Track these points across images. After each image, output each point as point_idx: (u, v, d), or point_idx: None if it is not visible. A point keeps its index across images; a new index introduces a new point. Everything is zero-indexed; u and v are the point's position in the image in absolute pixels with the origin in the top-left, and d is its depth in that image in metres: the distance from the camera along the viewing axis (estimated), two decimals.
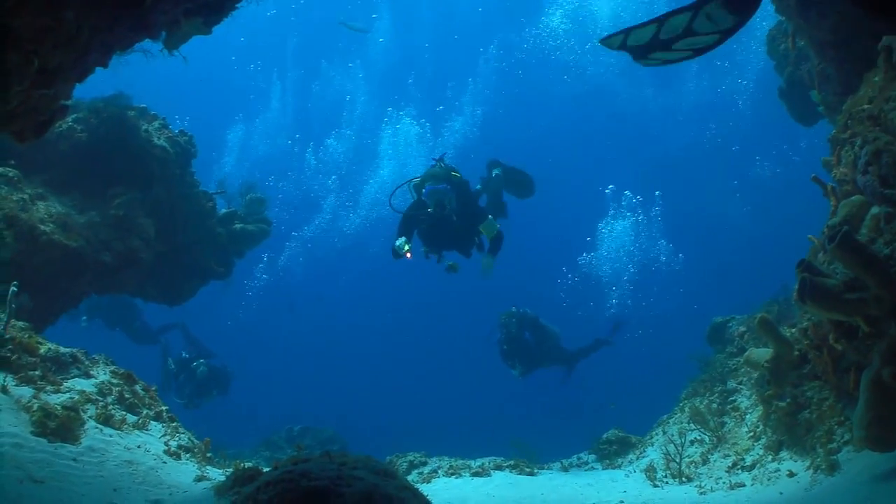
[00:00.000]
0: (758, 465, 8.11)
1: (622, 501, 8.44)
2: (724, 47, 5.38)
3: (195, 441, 8.47)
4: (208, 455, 8.35)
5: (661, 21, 4.98)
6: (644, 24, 5.10)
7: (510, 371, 16.57)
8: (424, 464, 11.45)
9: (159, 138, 11.94)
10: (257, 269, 32.52)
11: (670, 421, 11.64)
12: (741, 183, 37.02)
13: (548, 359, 16.71)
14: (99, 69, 5.46)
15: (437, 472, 10.75)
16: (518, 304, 16.97)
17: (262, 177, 34.83)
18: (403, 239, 11.44)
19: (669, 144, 37.01)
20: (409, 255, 11.46)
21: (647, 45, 5.21)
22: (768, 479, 7.58)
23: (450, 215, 11.52)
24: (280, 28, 37.75)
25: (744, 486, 7.89)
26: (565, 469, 11.55)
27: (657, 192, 29.52)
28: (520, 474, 10.58)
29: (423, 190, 11.58)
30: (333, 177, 33.32)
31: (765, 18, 13.34)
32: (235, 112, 35.23)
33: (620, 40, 5.26)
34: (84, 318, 18.92)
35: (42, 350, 7.70)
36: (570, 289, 31.45)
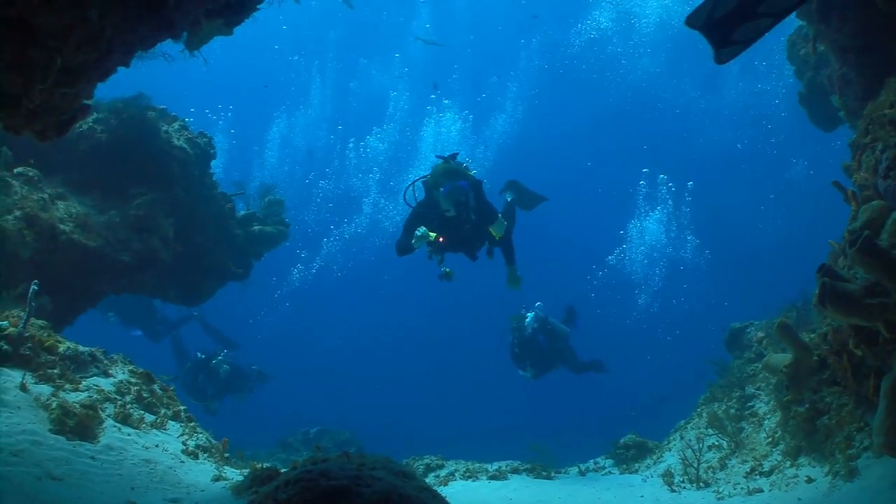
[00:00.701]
0: (776, 471, 8.07)
1: None
2: (762, 47, 5.36)
3: (213, 441, 8.48)
4: (226, 455, 8.35)
5: None
6: None
7: (521, 373, 16.50)
8: (441, 467, 11.43)
9: (179, 139, 11.98)
10: (294, 268, 32.49)
11: (688, 426, 11.61)
12: (775, 185, 36.85)
13: (559, 360, 16.54)
14: (133, 69, 5.51)
15: (453, 476, 10.74)
16: (527, 304, 16.90)
17: (302, 173, 34.88)
18: (424, 229, 10.65)
19: (707, 145, 36.78)
20: (441, 239, 10.87)
21: (736, 11, 5.16)
22: (786, 485, 7.54)
23: (468, 215, 10.99)
24: (321, 22, 37.79)
25: (762, 491, 7.86)
26: (582, 473, 11.52)
27: (690, 183, 29.43)
28: (537, 478, 10.57)
29: (442, 189, 10.83)
30: (374, 171, 33.16)
31: (785, 24, 13.29)
32: (278, 104, 35.27)
33: (707, 11, 5.24)
34: (111, 313, 19.00)
35: (61, 349, 7.73)
36: (602, 286, 31.48)
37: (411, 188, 11.56)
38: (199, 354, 18.67)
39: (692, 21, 5.34)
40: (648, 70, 33.93)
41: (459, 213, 10.88)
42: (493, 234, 11.46)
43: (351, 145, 33.48)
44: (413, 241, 10.66)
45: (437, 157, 11.63)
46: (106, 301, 15.85)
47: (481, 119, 33.23)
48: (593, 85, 36.68)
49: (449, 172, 11.06)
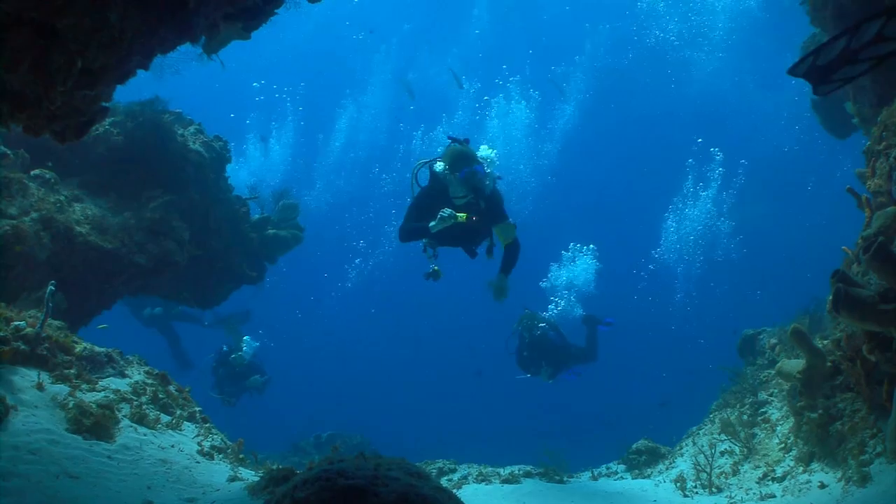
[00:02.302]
0: (788, 477, 8.06)
1: None
2: None
3: (228, 442, 8.53)
4: (241, 456, 8.39)
5: (853, 29, 4.98)
6: (834, 39, 5.11)
7: (536, 378, 16.32)
8: (454, 470, 11.43)
9: (195, 143, 12.06)
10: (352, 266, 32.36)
11: (700, 432, 11.59)
12: (821, 189, 36.64)
13: (571, 357, 16.36)
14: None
15: (466, 479, 10.74)
16: (529, 305, 16.83)
17: (367, 164, 34.75)
18: (451, 210, 9.56)
19: (766, 145, 36.52)
20: (475, 218, 9.80)
21: (837, 58, 5.20)
22: (799, 491, 7.53)
23: (479, 203, 9.95)
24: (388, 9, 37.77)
25: (774, 497, 7.85)
26: (594, 478, 11.51)
27: (743, 161, 29.36)
28: (549, 482, 10.57)
29: (459, 174, 9.83)
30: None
31: (799, 29, 13.27)
32: (343, 87, 35.19)
33: (809, 63, 5.27)
34: (148, 309, 19.18)
35: (78, 349, 7.79)
36: (648, 278, 31.42)
37: (419, 169, 10.73)
38: (223, 347, 18.84)
39: (795, 70, 5.36)
40: (710, 67, 33.67)
41: (470, 202, 9.96)
42: (500, 237, 10.48)
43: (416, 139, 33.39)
44: (434, 223, 9.63)
45: (448, 138, 10.59)
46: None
47: (546, 110, 32.98)
48: (654, 80, 36.54)
49: (465, 156, 10.03)
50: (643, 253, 32.13)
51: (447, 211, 9.56)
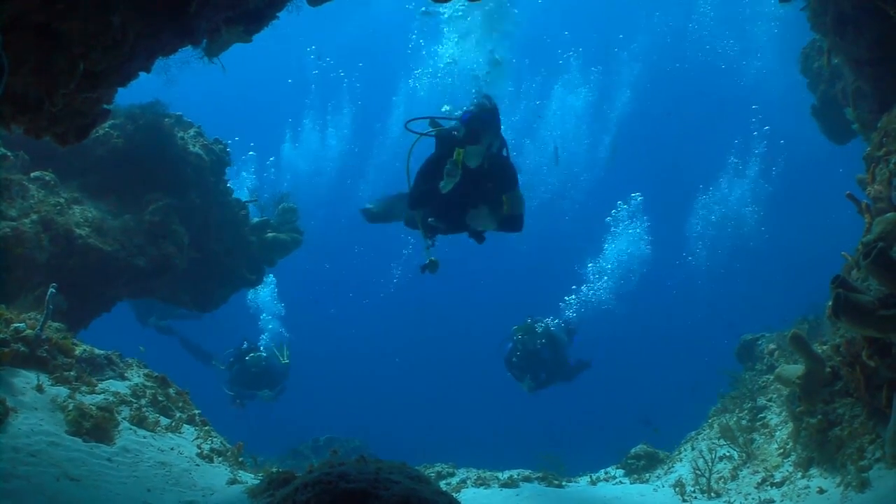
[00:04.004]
0: (787, 482, 8.06)
1: None
2: None
3: (227, 445, 8.54)
4: (240, 459, 8.41)
5: None
6: None
7: (518, 384, 16.36)
8: (452, 474, 11.43)
9: (195, 146, 12.05)
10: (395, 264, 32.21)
11: (699, 437, 11.59)
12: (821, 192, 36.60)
13: (557, 376, 16.42)
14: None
15: (465, 483, 10.74)
16: (534, 313, 16.80)
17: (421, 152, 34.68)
18: (451, 160, 8.77)
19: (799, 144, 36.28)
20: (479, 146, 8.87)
21: None
22: (798, 496, 7.54)
23: (484, 164, 9.09)
24: None
25: (773, 502, 7.86)
26: (593, 483, 11.50)
27: (782, 141, 29.35)
28: (548, 486, 10.57)
29: (463, 115, 8.96)
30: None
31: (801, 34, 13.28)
32: (399, 75, 35.00)
33: None
34: (153, 318, 19.13)
35: (77, 351, 7.81)
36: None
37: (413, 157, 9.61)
38: (243, 344, 18.62)
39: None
40: (760, 65, 33.44)
41: (482, 146, 8.99)
42: (506, 206, 9.30)
43: None
44: (443, 182, 8.89)
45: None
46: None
47: (604, 97, 32.73)
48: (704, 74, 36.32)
49: (481, 108, 9.02)
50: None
51: (449, 164, 8.80)
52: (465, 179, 8.98)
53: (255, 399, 18.67)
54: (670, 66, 36.04)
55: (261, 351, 18.22)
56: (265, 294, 22.55)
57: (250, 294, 21.19)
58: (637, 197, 25.18)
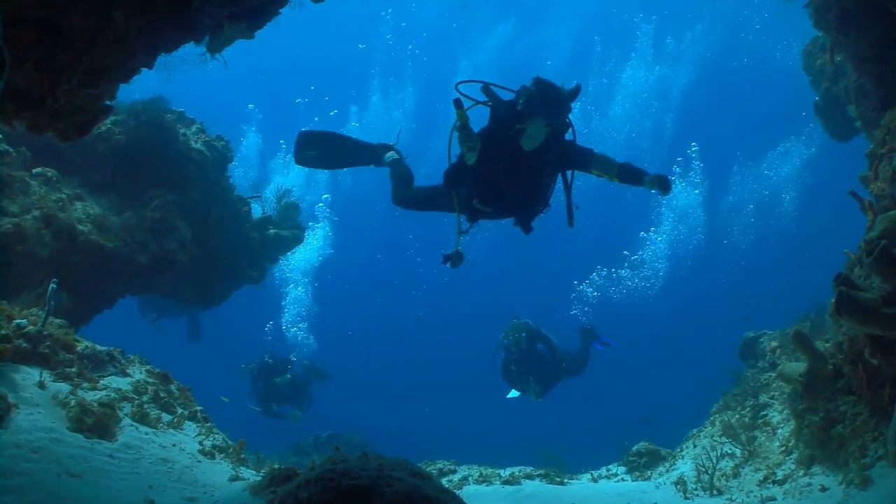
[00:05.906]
0: (789, 480, 8.05)
1: None
2: None
3: (229, 441, 8.54)
4: (242, 456, 8.40)
5: None
6: None
7: (524, 395, 15.72)
8: (454, 471, 11.40)
9: (196, 142, 12.05)
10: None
11: (701, 434, 11.58)
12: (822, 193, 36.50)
13: (562, 371, 15.85)
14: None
15: (467, 480, 10.72)
16: (519, 314, 16.37)
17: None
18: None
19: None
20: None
21: None
22: (800, 494, 7.53)
23: (546, 144, 7.83)
24: None
25: (775, 499, 7.85)
26: (595, 480, 11.48)
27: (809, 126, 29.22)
28: (550, 483, 10.56)
29: (524, 88, 7.77)
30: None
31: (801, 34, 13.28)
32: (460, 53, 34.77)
33: None
34: (154, 315, 19.06)
35: (79, 347, 7.79)
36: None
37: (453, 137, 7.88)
38: (266, 359, 18.35)
39: None
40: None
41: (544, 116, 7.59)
42: (605, 174, 8.12)
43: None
44: (465, 151, 7.50)
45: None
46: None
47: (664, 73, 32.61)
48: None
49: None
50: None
51: (459, 133, 7.51)
52: (521, 163, 7.91)
53: (284, 419, 18.60)
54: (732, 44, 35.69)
55: (287, 373, 18.07)
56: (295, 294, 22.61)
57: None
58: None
